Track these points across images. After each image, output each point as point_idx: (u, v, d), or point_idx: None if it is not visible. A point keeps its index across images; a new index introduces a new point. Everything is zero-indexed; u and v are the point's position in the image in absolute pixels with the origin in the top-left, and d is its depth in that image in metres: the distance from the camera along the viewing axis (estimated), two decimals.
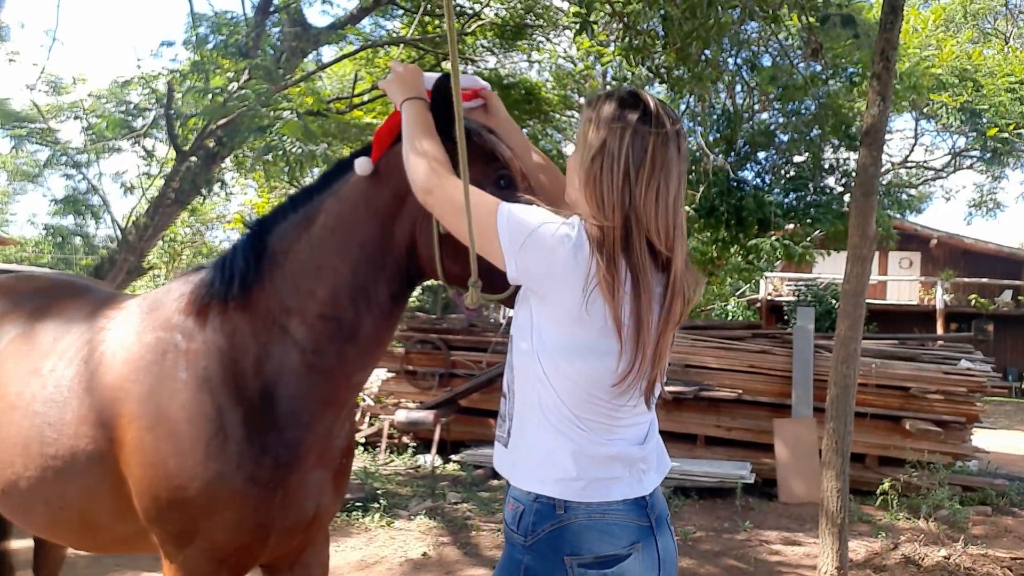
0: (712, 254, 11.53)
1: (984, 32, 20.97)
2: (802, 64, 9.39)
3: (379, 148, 1.78)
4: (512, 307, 1.63)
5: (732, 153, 11.08)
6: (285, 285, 1.79)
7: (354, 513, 5.91)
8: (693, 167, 10.41)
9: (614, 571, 1.43)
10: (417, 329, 9.38)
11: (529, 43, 10.76)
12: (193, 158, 6.71)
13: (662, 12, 5.94)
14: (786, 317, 19.80)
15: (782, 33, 8.82)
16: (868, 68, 6.95)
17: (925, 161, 20.07)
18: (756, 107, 11.70)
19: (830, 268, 17.33)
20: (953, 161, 18.88)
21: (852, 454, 4.57)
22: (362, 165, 1.76)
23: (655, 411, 1.59)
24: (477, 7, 8.99)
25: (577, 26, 6.60)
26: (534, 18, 9.74)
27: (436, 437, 7.89)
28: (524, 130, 10.78)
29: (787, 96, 9.94)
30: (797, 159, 10.85)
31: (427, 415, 7.84)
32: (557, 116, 12.07)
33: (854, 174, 7.17)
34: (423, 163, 1.55)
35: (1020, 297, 22.90)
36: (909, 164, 19.25)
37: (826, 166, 10.60)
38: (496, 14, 9.40)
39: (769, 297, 22.95)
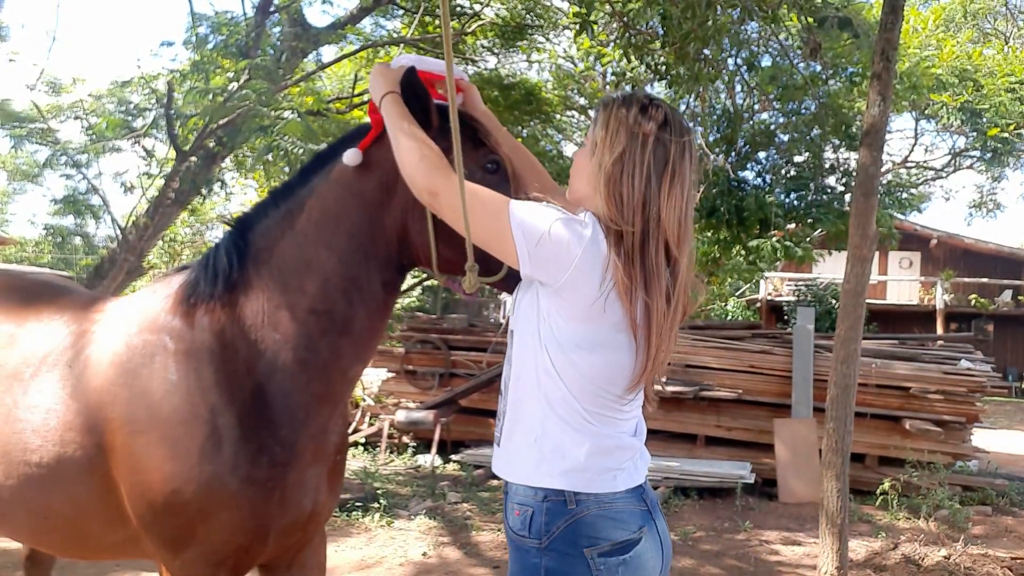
0: (715, 254, 11.53)
1: (984, 32, 20.96)
2: (802, 64, 9.38)
3: (375, 131, 1.77)
4: (507, 290, 1.65)
5: (733, 153, 11.07)
6: (273, 281, 1.78)
7: (354, 513, 5.91)
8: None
9: (632, 555, 1.47)
10: (417, 329, 9.39)
11: (529, 43, 10.74)
12: (193, 158, 6.70)
13: (661, 11, 5.94)
14: (786, 317, 19.80)
15: (782, 34, 8.81)
16: (868, 68, 6.94)
17: (925, 161, 20.05)
18: (756, 107, 11.69)
19: (830, 268, 17.35)
20: (953, 161, 18.86)
21: (852, 454, 4.56)
22: (351, 156, 1.75)
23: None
24: (477, 7, 8.99)
25: (577, 26, 6.60)
26: (534, 18, 9.73)
27: (436, 437, 7.89)
28: (524, 131, 10.81)
29: (787, 96, 9.93)
30: (797, 159, 10.84)
31: (427, 415, 7.84)
32: (557, 116, 12.06)
33: (854, 174, 7.17)
34: (421, 162, 1.54)
35: (1020, 297, 22.89)
36: (909, 164, 19.23)
37: (827, 166, 10.59)
38: (496, 14, 9.39)
39: (769, 297, 22.96)
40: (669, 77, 6.47)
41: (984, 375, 7.58)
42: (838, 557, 4.24)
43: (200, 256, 1.95)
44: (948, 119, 13.14)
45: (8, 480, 1.91)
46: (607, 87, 12.53)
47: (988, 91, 12.71)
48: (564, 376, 1.47)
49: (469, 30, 8.98)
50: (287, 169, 6.83)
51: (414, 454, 8.39)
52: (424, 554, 5.10)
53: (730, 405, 7.89)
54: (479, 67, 10.28)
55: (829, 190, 10.42)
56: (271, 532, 1.78)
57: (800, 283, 21.66)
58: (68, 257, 19.64)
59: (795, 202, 10.36)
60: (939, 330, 21.29)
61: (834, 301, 17.97)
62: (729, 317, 21.53)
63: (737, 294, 24.18)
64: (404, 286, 2.04)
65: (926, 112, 14.58)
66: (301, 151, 5.62)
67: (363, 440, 8.74)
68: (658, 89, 12.58)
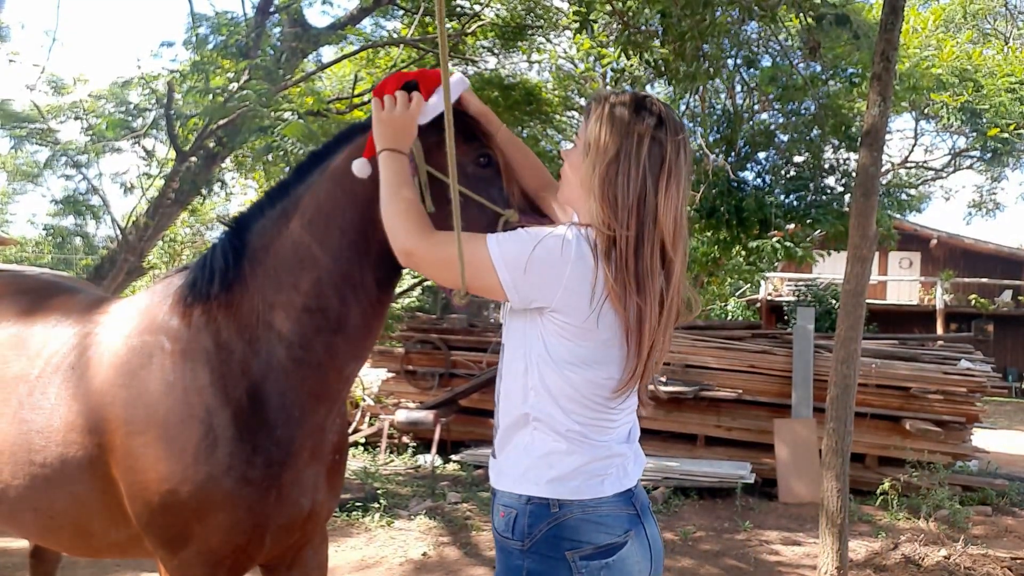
0: (715, 254, 11.52)
1: (984, 32, 20.96)
2: (802, 64, 9.38)
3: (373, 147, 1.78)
4: (499, 299, 1.65)
5: (732, 154, 11.06)
6: (268, 281, 1.78)
7: (354, 513, 5.91)
8: (694, 167, 10.40)
9: (615, 559, 1.46)
10: (417, 329, 9.39)
11: (529, 44, 10.74)
12: (193, 158, 6.70)
13: (660, 9, 5.94)
14: (786, 317, 19.80)
15: (781, 34, 8.81)
16: (868, 68, 6.95)
17: (925, 161, 20.06)
18: (756, 108, 11.69)
19: (830, 268, 17.33)
20: (953, 161, 18.88)
21: (852, 454, 4.57)
22: (360, 167, 1.73)
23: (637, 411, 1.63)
24: (477, 7, 8.98)
25: (577, 25, 6.60)
26: (534, 19, 9.73)
27: (436, 437, 7.89)
28: (524, 131, 10.80)
29: (787, 96, 9.93)
30: (797, 159, 10.83)
31: (427, 415, 7.84)
32: (558, 117, 12.05)
33: (854, 174, 7.17)
34: (402, 223, 1.54)
35: (1020, 297, 22.89)
36: (909, 164, 19.24)
37: (826, 167, 10.58)
38: (496, 14, 9.38)
39: (769, 297, 22.96)
40: (668, 74, 6.47)
41: (984, 375, 7.58)
42: (838, 557, 4.24)
43: (199, 256, 1.96)
44: (948, 119, 13.16)
45: (15, 480, 1.94)
46: (607, 87, 12.51)
47: (988, 91, 12.72)
48: (555, 390, 1.47)
49: (469, 30, 8.97)
50: (287, 169, 6.83)
51: (414, 454, 8.40)
52: (424, 554, 5.10)
53: (730, 405, 7.89)
54: (479, 67, 10.27)
55: (829, 190, 10.41)
56: (268, 532, 1.79)
57: (800, 283, 21.66)
58: (68, 257, 19.64)
59: (795, 202, 10.35)
60: (939, 330, 21.28)
61: (834, 301, 17.97)
62: (729, 317, 21.55)
63: (737, 294, 24.18)
64: (404, 286, 2.04)
65: (926, 112, 14.59)
66: (301, 151, 5.62)
67: (363, 440, 8.74)
68: (657, 87, 12.58)
